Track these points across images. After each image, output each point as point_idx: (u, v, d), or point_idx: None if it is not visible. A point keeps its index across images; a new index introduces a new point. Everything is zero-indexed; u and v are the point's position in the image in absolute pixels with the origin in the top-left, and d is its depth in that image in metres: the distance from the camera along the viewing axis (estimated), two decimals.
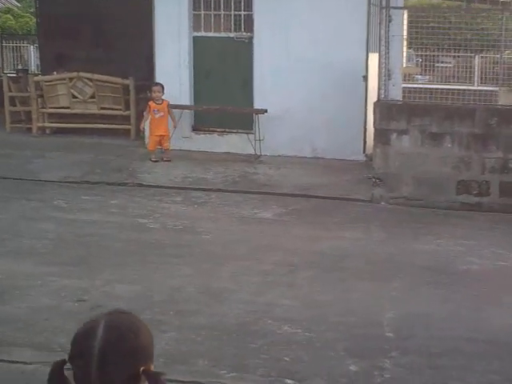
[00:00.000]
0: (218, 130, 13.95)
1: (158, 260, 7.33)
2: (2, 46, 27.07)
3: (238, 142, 13.53)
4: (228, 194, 10.69)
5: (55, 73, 16.93)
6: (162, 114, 12.50)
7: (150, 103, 12.57)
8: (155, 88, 12.62)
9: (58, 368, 2.12)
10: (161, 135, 12.50)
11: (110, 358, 2.11)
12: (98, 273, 6.85)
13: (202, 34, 13.86)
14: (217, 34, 13.84)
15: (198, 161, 12.78)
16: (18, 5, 38.64)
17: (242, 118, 13.71)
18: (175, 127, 12.75)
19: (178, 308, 5.91)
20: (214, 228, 8.79)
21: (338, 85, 12.85)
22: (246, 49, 13.61)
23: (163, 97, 12.63)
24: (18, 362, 4.81)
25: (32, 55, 31.14)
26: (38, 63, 23.82)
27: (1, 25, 33.82)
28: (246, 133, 13.44)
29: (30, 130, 15.86)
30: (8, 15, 34.99)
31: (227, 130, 13.88)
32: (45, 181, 11.33)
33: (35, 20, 24.86)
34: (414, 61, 19.36)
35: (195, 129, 14.12)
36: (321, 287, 6.60)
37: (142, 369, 2.13)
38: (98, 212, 9.44)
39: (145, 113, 12.74)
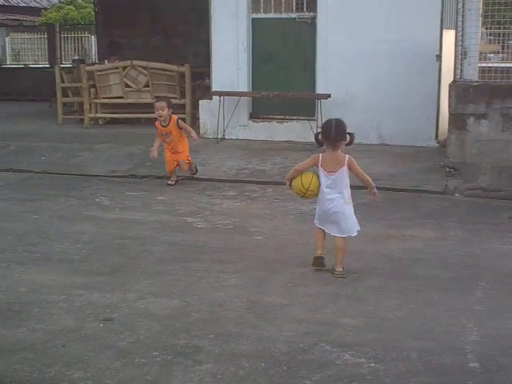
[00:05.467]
0: (278, 117, 13.09)
1: (202, 267, 6.42)
2: (60, 37, 26.47)
3: (299, 130, 12.65)
4: (286, 186, 9.71)
5: (106, 61, 16.27)
6: (171, 137, 9.98)
7: (157, 124, 10.07)
8: (156, 104, 10.06)
9: (317, 135, 6.26)
10: (177, 159, 10.04)
11: (338, 127, 6.05)
12: (133, 284, 5.98)
13: (262, 15, 12.97)
14: (277, 15, 12.93)
15: (256, 151, 11.91)
16: None
17: (304, 103, 12.85)
18: (195, 140, 10.24)
19: (218, 330, 4.98)
20: (268, 227, 7.86)
21: (409, 65, 11.88)
22: (308, 30, 12.71)
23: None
24: None
25: (93, 45, 30.72)
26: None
27: (63, 16, 33.54)
28: (308, 119, 12.57)
29: (82, 121, 15.23)
30: (70, 6, 34.71)
31: (287, 117, 13.01)
32: (89, 175, 10.61)
33: (93, 9, 24.36)
34: (486, 39, 18.11)
35: (253, 116, 13.29)
36: (389, 301, 5.59)
37: (347, 132, 6.07)
38: (143, 210, 8.61)
39: (156, 137, 10.21)
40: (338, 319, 5.19)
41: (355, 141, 6.27)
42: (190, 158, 10.18)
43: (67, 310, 5.36)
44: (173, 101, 14.62)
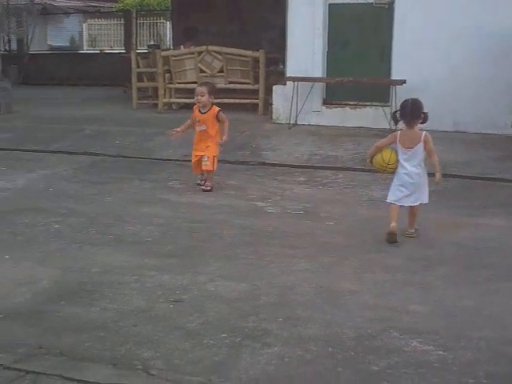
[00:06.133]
0: (351, 103, 13.02)
1: (272, 251, 6.45)
2: (137, 23, 26.78)
3: (372, 116, 12.58)
4: (357, 173, 9.72)
5: (182, 47, 16.42)
6: (204, 127, 8.93)
7: (195, 109, 9.08)
8: (197, 89, 9.07)
9: (394, 113, 6.92)
10: (201, 156, 8.96)
11: (414, 107, 6.70)
12: (204, 266, 6.04)
13: (339, 0, 12.93)
14: (354, 1, 12.87)
15: (328, 136, 11.89)
16: None
17: (378, 89, 12.79)
18: (222, 140, 9.00)
19: (287, 313, 5.00)
20: (339, 213, 7.84)
21: (488, 52, 11.71)
22: (385, 15, 12.63)
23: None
24: (89, 383, 4.02)
25: (168, 31, 31.00)
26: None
27: (139, 2, 33.88)
28: (382, 106, 12.49)
29: (156, 106, 15.44)
30: None
31: (360, 103, 12.93)
32: (162, 159, 10.73)
33: None
34: None
35: (326, 102, 13.25)
36: (459, 289, 5.52)
37: (422, 111, 6.70)
38: (214, 194, 8.68)
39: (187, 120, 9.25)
40: (406, 306, 5.15)
41: (427, 121, 6.77)
42: (215, 163, 8.96)
43: (138, 291, 5.45)
44: (246, 86, 14.84)
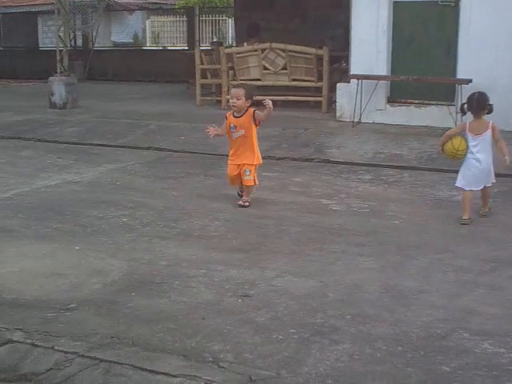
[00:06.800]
0: (416, 101, 12.91)
1: (339, 249, 6.44)
2: (199, 19, 26.90)
3: (437, 115, 12.44)
4: (423, 172, 9.66)
5: (245, 44, 16.44)
6: (242, 132, 8.08)
7: (228, 115, 8.21)
8: (233, 91, 8.20)
9: (462, 105, 7.51)
10: (241, 165, 8.14)
11: (479, 99, 7.33)
12: (271, 262, 6.07)
13: None
14: None
15: (392, 135, 11.82)
16: None
17: (443, 88, 12.64)
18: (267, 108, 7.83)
19: (355, 311, 4.99)
20: (405, 212, 7.79)
21: None
22: (451, 13, 12.46)
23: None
24: (160, 373, 4.08)
25: (230, 28, 31.11)
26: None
27: None
28: (447, 104, 12.35)
29: (219, 102, 15.52)
30: None
31: (425, 101, 12.81)
32: (226, 155, 10.72)
33: None
34: None
35: (390, 100, 13.16)
36: None
37: (487, 103, 7.37)
38: (279, 191, 8.71)
39: (223, 125, 8.29)
40: (476, 307, 5.10)
41: (492, 112, 7.39)
42: (256, 176, 8.17)
43: (207, 285, 5.50)
44: (310, 84, 14.81)
